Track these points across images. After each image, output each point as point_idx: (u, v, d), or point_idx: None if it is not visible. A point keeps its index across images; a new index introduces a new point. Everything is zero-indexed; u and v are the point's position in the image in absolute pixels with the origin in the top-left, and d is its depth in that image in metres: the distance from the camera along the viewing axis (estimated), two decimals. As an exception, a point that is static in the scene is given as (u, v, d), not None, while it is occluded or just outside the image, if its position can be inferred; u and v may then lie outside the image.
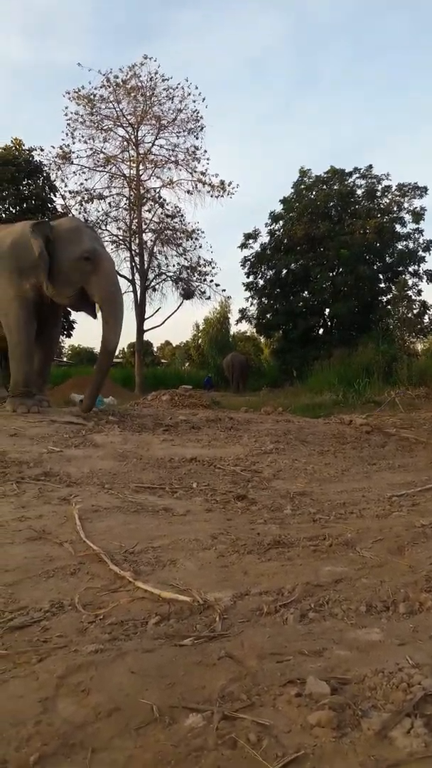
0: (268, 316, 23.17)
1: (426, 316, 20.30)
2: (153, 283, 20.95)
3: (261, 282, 23.47)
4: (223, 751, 1.35)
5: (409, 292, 20.62)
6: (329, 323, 22.69)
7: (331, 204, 22.06)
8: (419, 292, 20.91)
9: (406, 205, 21.65)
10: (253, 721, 1.44)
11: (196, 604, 2.13)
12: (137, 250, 20.51)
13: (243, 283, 23.71)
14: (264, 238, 23.52)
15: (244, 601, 2.21)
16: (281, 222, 22.95)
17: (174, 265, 21.04)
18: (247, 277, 23.54)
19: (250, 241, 23.53)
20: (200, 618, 2.05)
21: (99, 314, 7.59)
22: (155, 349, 33.48)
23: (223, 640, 1.88)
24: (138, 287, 20.37)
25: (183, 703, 1.52)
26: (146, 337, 22.13)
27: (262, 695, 1.57)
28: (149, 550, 2.77)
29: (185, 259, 20.99)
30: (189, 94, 19.96)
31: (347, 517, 3.41)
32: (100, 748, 1.36)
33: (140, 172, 20.57)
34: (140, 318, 20.24)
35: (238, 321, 24.91)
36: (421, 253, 21.38)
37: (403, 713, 1.47)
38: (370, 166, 22.13)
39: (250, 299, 23.72)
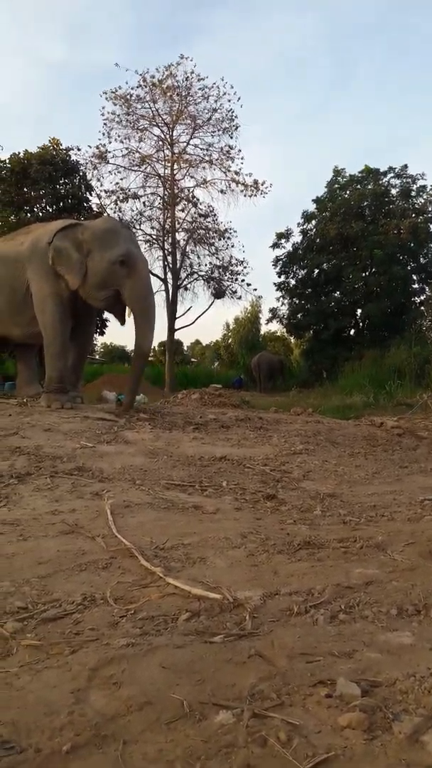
0: (299, 316, 23.05)
1: (462, 318, 19.97)
2: (185, 283, 21.04)
3: (293, 282, 23.37)
4: (253, 749, 1.35)
5: (444, 293, 20.31)
6: (361, 324, 22.46)
7: (365, 204, 21.83)
8: (455, 293, 20.58)
9: (442, 204, 21.31)
10: (283, 720, 1.44)
11: (226, 602, 2.14)
12: (170, 250, 20.62)
13: (274, 283, 23.68)
14: (296, 238, 23.45)
15: (274, 601, 2.20)
16: (314, 222, 22.81)
17: (206, 265, 21.10)
18: (279, 277, 23.50)
19: (282, 240, 23.46)
20: (230, 616, 2.06)
21: (129, 318, 7.62)
22: (185, 348, 33.59)
23: (253, 639, 1.89)
24: (170, 286, 20.49)
25: (213, 700, 1.53)
26: (177, 335, 22.26)
27: (292, 695, 1.57)
28: (179, 546, 2.79)
29: (217, 258, 21.04)
30: (224, 93, 19.99)
31: (378, 519, 3.38)
32: (131, 741, 1.37)
33: (174, 172, 20.68)
34: (171, 317, 20.35)
35: (269, 321, 24.88)
36: (457, 254, 21.06)
37: (435, 718, 1.45)
38: (405, 166, 21.86)
39: (281, 299, 23.68)
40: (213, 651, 1.80)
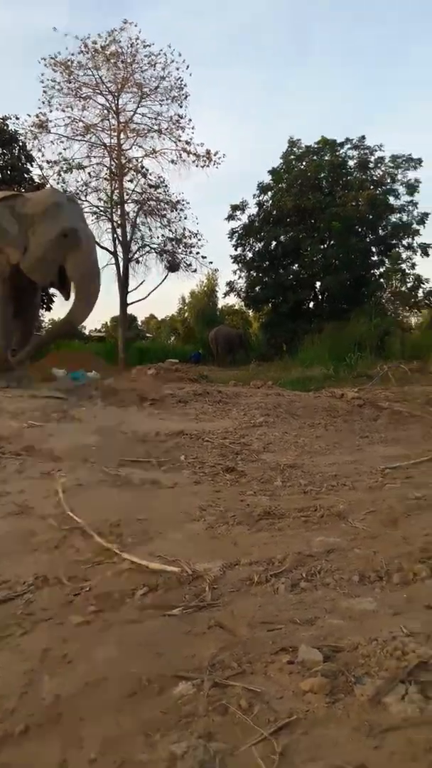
0: (257, 289, 22.99)
1: (420, 290, 20.24)
2: (136, 256, 20.66)
3: (249, 255, 23.23)
4: (214, 717, 1.33)
5: (403, 266, 20.52)
6: (320, 296, 22.56)
7: (322, 175, 21.76)
8: (413, 266, 20.79)
9: (399, 177, 21.38)
10: (244, 688, 1.43)
11: (185, 575, 2.09)
12: (119, 222, 20.14)
13: (231, 256, 23.48)
14: (252, 210, 23.23)
15: (234, 571, 2.17)
16: (270, 193, 22.64)
17: (158, 237, 20.75)
18: (235, 250, 23.30)
19: (238, 212, 23.21)
20: (189, 588, 2.02)
21: (72, 294, 7.42)
22: (140, 323, 33.13)
23: (212, 610, 1.85)
24: (120, 260, 20.07)
25: (172, 672, 1.50)
26: (130, 310, 21.89)
27: (254, 663, 1.55)
28: (135, 522, 2.72)
29: (170, 230, 20.69)
30: (172, 61, 19.45)
31: (339, 489, 3.38)
32: (88, 718, 1.34)
33: (121, 141, 20.11)
34: (123, 291, 19.97)
35: (226, 294, 24.72)
36: (415, 226, 21.17)
37: (397, 680, 1.45)
38: (363, 137, 21.79)
39: (238, 272, 23.52)
40: (172, 624, 1.76)
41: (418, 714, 1.33)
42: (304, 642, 1.64)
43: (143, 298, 20.78)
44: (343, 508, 2.94)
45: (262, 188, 22.91)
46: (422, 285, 20.21)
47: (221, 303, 31.50)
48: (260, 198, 23.07)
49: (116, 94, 19.91)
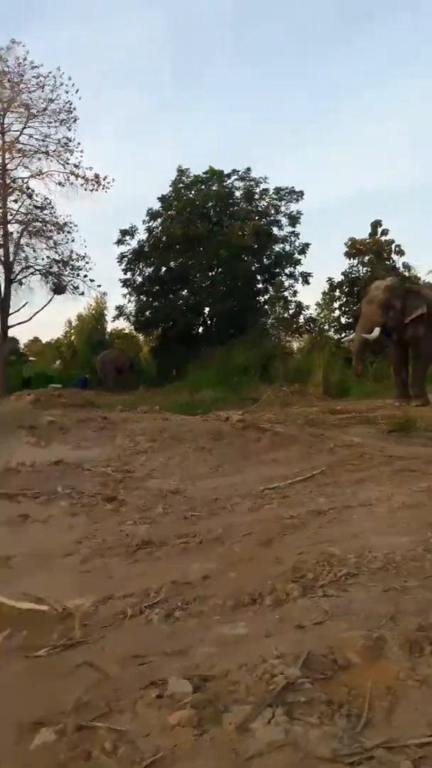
0: (146, 313, 22.95)
1: (301, 316, 21.13)
2: (19, 277, 20.02)
3: (139, 279, 23.21)
4: (77, 764, 1.27)
5: (286, 293, 21.30)
6: (209, 322, 22.93)
7: (210, 204, 22.27)
8: (295, 293, 21.64)
9: (282, 208, 22.33)
10: (110, 729, 1.38)
11: (55, 613, 2.00)
12: (1, 242, 19.47)
13: (120, 280, 23.33)
14: (142, 235, 23.30)
15: (107, 606, 2.12)
16: (159, 220, 22.85)
17: (43, 259, 20.26)
18: (125, 274, 23.19)
19: (127, 237, 23.15)
20: (58, 627, 1.93)
21: None
22: (22, 347, 31.76)
23: (81, 648, 1.79)
24: (2, 280, 19.36)
25: (33, 719, 1.41)
26: (11, 333, 21.06)
27: (122, 701, 1.51)
28: (2, 560, 2.58)
29: (56, 252, 20.28)
30: (61, 84, 19.28)
31: (219, 512, 3.42)
32: None
33: (6, 161, 19.56)
34: (4, 313, 19.23)
35: (115, 318, 24.48)
36: (296, 255, 22.15)
37: (265, 704, 1.46)
38: (249, 169, 22.56)
39: (128, 296, 23.41)
40: (37, 666, 1.68)
41: (283, 737, 1.34)
42: (174, 674, 1.62)
43: (26, 321, 20.03)
44: (222, 532, 2.97)
45: (152, 215, 23.05)
46: (303, 312, 21.14)
47: (110, 327, 31.12)
48: (150, 224, 23.21)
49: (2, 113, 19.35)
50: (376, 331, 9.20)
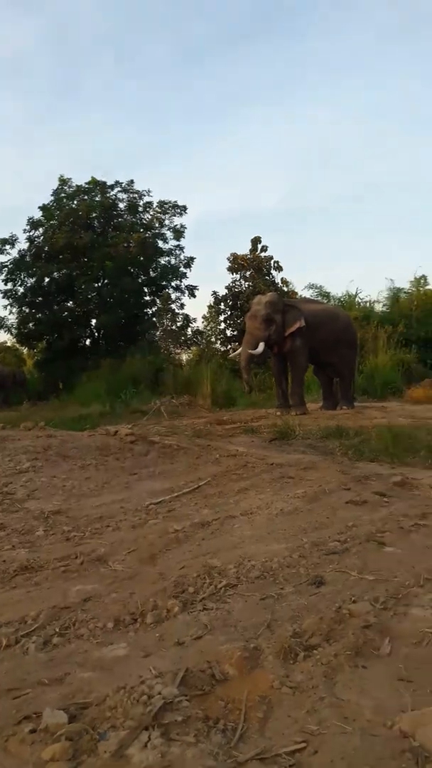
0: (30, 325, 22.17)
1: (189, 329, 21.35)
2: None
3: (21, 290, 22.38)
4: None
5: (173, 306, 21.45)
6: (96, 334, 22.54)
7: (94, 215, 21.99)
8: (182, 306, 21.83)
9: (167, 222, 22.49)
10: (-24, 774, 1.30)
11: None
12: None
13: (0, 291, 22.37)
14: (22, 245, 22.52)
15: (-20, 638, 2.00)
16: (41, 229, 22.21)
17: None
18: (5, 284, 22.27)
19: (7, 246, 22.30)
20: None
21: None
22: None
23: None
24: None
25: None
26: None
27: (-7, 740, 1.43)
28: None
29: None
30: None
31: (103, 531, 3.35)
32: None
33: None
34: None
35: (-5, 331, 23.41)
36: (182, 269, 22.39)
37: (141, 727, 1.44)
38: (132, 181, 22.50)
39: (9, 308, 22.49)
40: None
41: (160, 759, 1.33)
42: (50, 704, 1.56)
43: None
44: (104, 551, 2.91)
45: (33, 224, 22.35)
46: (190, 324, 21.40)
47: (-9, 339, 29.71)
48: (31, 233, 22.47)
49: None
50: (261, 346, 9.52)
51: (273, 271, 20.70)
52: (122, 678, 1.69)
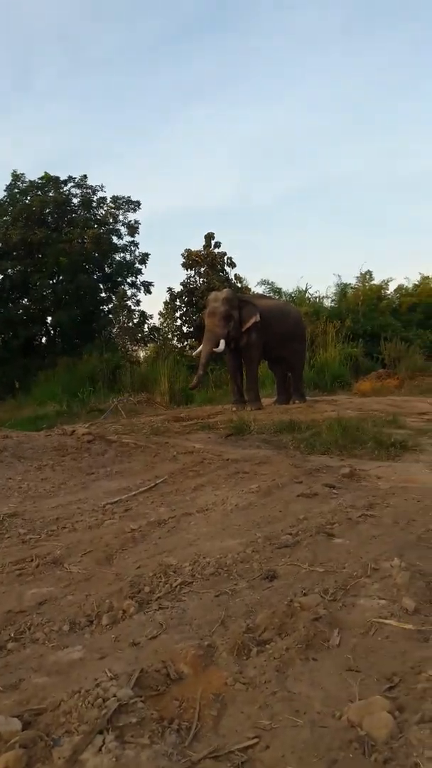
0: (-17, 324, 21.73)
1: (145, 326, 21.24)
2: None
3: (-26, 288, 21.88)
4: None
5: (129, 302, 21.29)
6: (53, 331, 22.21)
7: (48, 211, 21.63)
8: (138, 303, 21.70)
9: (121, 217, 22.28)
10: None
11: None
12: None
13: None
14: (-25, 241, 21.99)
15: None
16: (-6, 225, 21.77)
17: None
18: (-42, 282, 21.74)
19: (-40, 243, 21.78)
20: None
21: None
22: None
23: None
24: None
25: None
26: None
27: None
28: None
29: None
30: None
31: (59, 532, 3.33)
32: None
33: None
34: None
35: None
36: (137, 265, 22.24)
37: (95, 731, 1.45)
38: (85, 176, 22.18)
39: (-38, 305, 21.95)
40: None
41: (114, 763, 1.34)
42: (4, 711, 1.56)
43: None
44: (60, 553, 2.90)
45: (-15, 220, 21.88)
46: (147, 321, 21.30)
47: None
48: (-17, 230, 21.98)
49: None
50: (222, 343, 9.52)
51: (227, 267, 20.79)
52: (77, 682, 1.69)
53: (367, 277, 19.83)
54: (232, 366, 10.31)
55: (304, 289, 19.46)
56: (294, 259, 41.80)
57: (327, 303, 19.44)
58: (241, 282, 20.28)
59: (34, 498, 4.26)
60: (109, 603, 2.26)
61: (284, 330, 10.23)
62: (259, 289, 19.25)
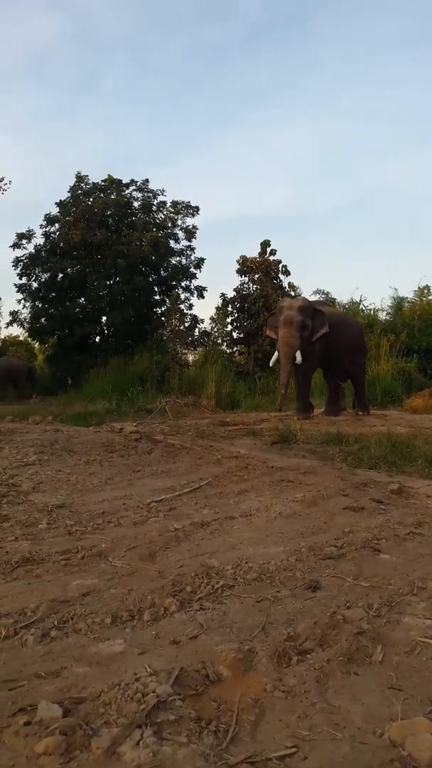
0: (42, 320, 22.26)
1: (196, 330, 21.37)
2: None
3: (35, 285, 22.50)
4: None
5: (182, 306, 21.46)
6: (106, 331, 22.60)
7: (109, 213, 22.08)
8: (191, 306, 21.81)
9: (179, 222, 22.53)
10: (-28, 762, 1.32)
11: None
12: None
13: (15, 285, 22.48)
14: (39, 240, 22.64)
15: (-21, 628, 2.03)
16: (57, 225, 22.34)
17: None
18: (20, 279, 22.40)
19: (24, 241, 22.42)
20: None
21: None
22: None
23: None
24: None
25: None
26: None
27: (-12, 730, 1.45)
28: None
29: None
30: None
31: (105, 526, 3.38)
32: None
33: None
34: None
35: (9, 324, 23.52)
36: (192, 269, 22.44)
37: (134, 725, 1.46)
38: (147, 180, 22.58)
39: (23, 302, 22.61)
40: None
41: (151, 758, 1.35)
42: (45, 697, 1.59)
43: None
44: (105, 546, 2.94)
45: (50, 219, 22.47)
46: (198, 325, 21.42)
47: (4, 333, 29.83)
48: (47, 229, 22.60)
49: None
50: (299, 354, 9.39)
51: (281, 275, 20.70)
52: (117, 674, 1.71)
53: (425, 291, 19.38)
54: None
55: (358, 300, 19.21)
56: (347, 270, 41.36)
57: (382, 316, 19.12)
58: (294, 290, 20.16)
59: (82, 491, 4.33)
60: (151, 599, 2.28)
61: (346, 341, 9.99)
62: (313, 299, 19.11)
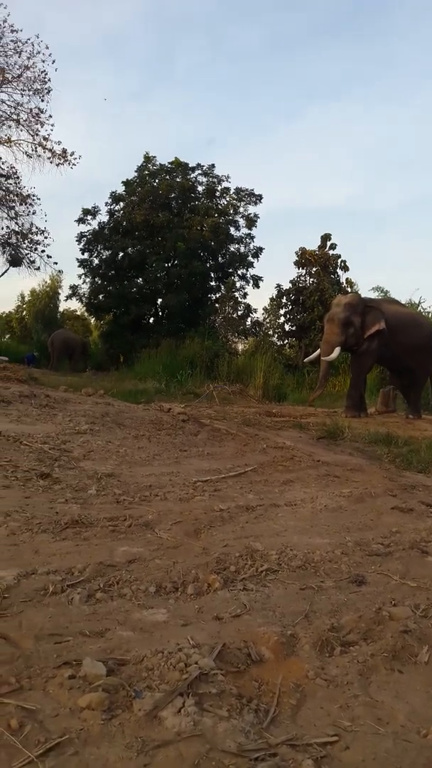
0: (100, 297, 22.64)
1: (248, 319, 21.33)
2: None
3: (96, 261, 22.87)
4: (-19, 740, 1.24)
5: (236, 294, 21.43)
6: (160, 312, 22.82)
7: (173, 195, 22.18)
8: (245, 295, 21.81)
9: (241, 209, 22.48)
10: (18, 706, 1.36)
11: (-27, 584, 1.96)
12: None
13: (77, 259, 22.91)
14: (103, 217, 22.97)
15: (30, 581, 2.09)
16: (122, 204, 22.59)
17: (3, 228, 19.61)
18: (82, 254, 22.80)
19: (89, 217, 22.78)
20: (-24, 598, 1.89)
21: None
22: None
23: (-1, 621, 1.75)
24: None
25: None
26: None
27: (34, 678, 1.49)
28: None
29: (16, 223, 19.65)
30: (39, 52, 18.62)
31: (151, 499, 3.42)
32: None
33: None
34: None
35: (68, 298, 24.03)
36: (250, 258, 22.37)
37: (176, 693, 1.47)
38: (213, 165, 22.57)
39: (83, 277, 23.04)
40: None
41: (192, 727, 1.35)
42: (90, 655, 1.61)
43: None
44: (152, 518, 2.98)
45: (115, 197, 22.74)
46: (251, 314, 21.37)
47: (63, 306, 30.46)
48: (112, 207, 22.90)
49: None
50: (336, 351, 9.23)
51: (339, 270, 20.38)
52: (160, 642, 1.73)
53: None
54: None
55: (417, 301, 18.74)
56: (408, 270, 40.34)
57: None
58: (351, 286, 19.82)
59: (131, 464, 4.40)
60: (195, 574, 2.29)
61: (414, 341, 9.64)
62: (370, 296, 18.72)
